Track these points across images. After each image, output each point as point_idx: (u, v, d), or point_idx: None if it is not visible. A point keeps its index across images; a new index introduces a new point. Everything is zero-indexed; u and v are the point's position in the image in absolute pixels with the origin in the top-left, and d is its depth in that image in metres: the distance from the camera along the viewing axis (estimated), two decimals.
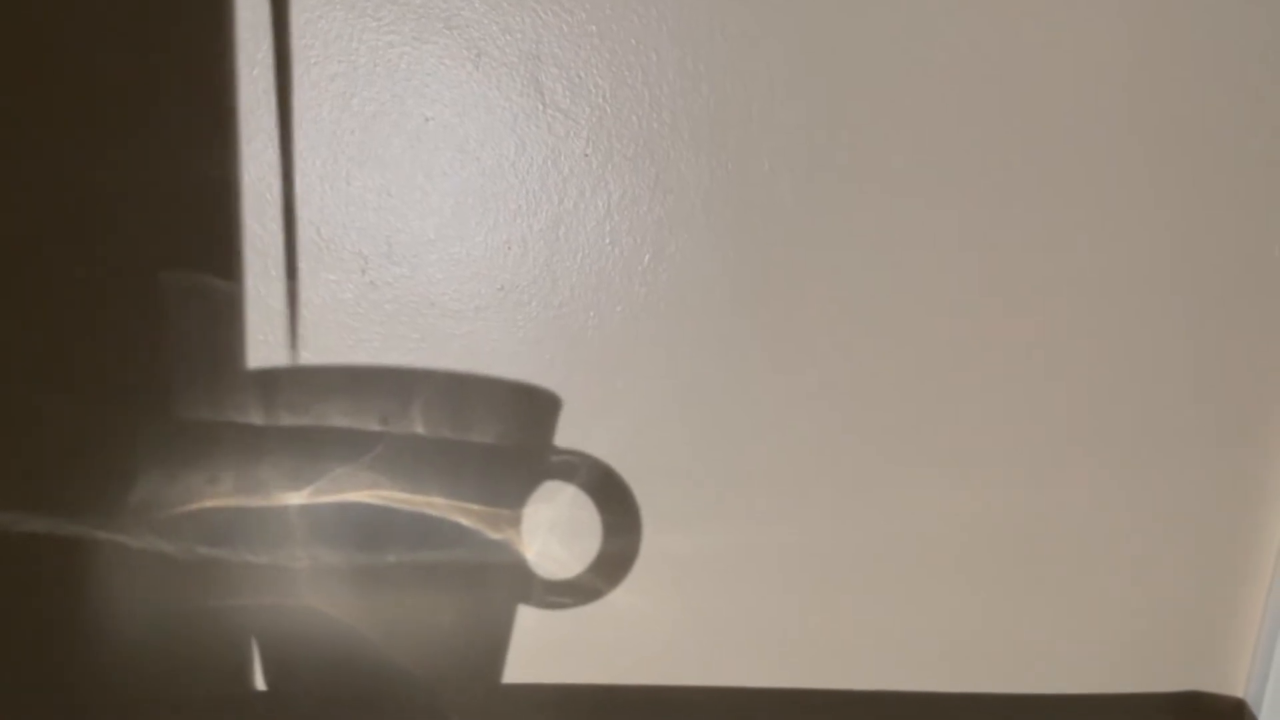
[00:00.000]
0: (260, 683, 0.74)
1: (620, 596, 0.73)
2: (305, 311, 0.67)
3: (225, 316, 0.66)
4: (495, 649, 0.74)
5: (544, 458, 0.70)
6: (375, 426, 0.69)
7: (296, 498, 0.70)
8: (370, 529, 0.70)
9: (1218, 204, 0.68)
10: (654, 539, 0.72)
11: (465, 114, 0.64)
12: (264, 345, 0.67)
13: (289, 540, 0.70)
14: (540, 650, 0.74)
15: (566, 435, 0.70)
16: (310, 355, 0.67)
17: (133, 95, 0.63)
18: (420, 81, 0.63)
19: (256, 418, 0.68)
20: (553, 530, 0.72)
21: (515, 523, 0.72)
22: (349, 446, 0.69)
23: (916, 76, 0.65)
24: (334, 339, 0.67)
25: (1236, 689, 0.79)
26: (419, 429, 0.69)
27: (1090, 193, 0.68)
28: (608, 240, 0.67)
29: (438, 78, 0.64)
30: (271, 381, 0.67)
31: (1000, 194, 0.67)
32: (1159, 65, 0.66)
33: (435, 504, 0.70)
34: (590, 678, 0.75)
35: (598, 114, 0.64)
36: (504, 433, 0.70)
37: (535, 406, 0.69)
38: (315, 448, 0.69)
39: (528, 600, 0.73)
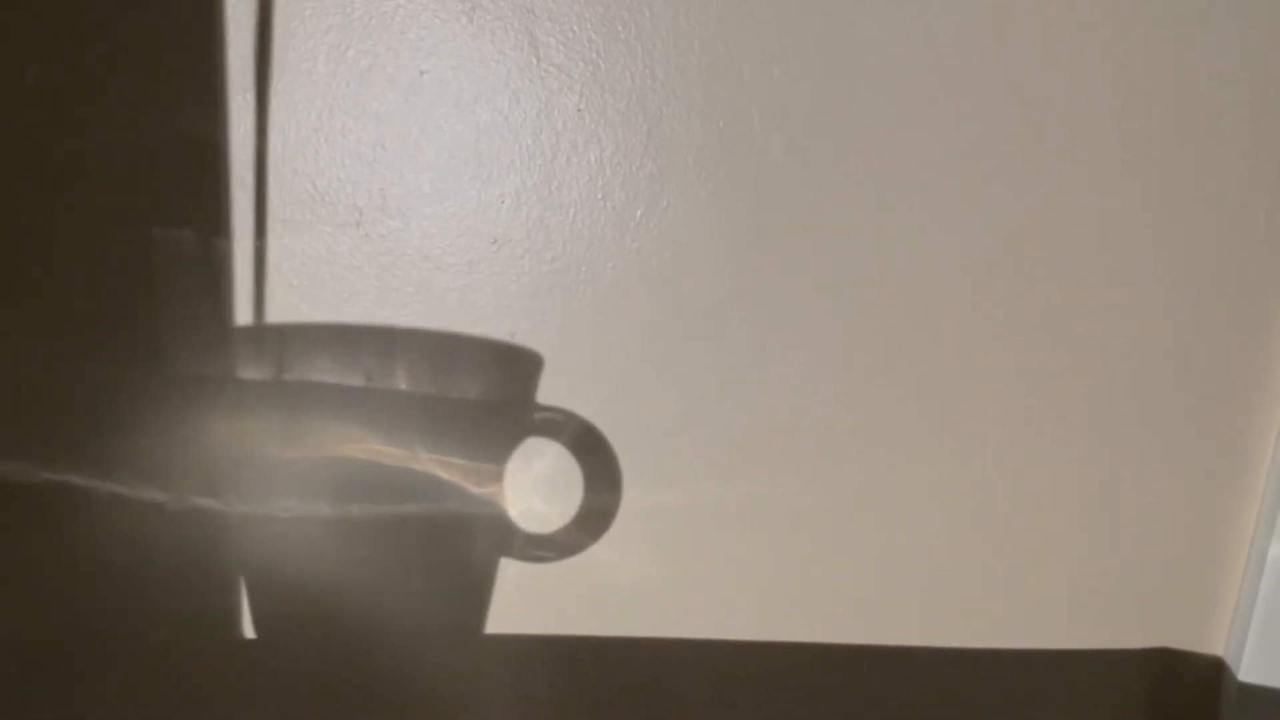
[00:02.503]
0: (249, 631, 0.75)
1: (602, 550, 0.75)
2: (300, 264, 0.67)
3: (217, 272, 0.67)
4: (478, 600, 0.76)
5: (529, 415, 0.72)
6: (361, 382, 0.70)
7: (286, 450, 0.71)
8: (356, 482, 0.72)
9: (1204, 172, 0.69)
10: (640, 493, 0.74)
11: (460, 68, 0.65)
12: (256, 298, 0.68)
13: (278, 492, 0.72)
14: (522, 602, 0.76)
15: (558, 388, 0.71)
16: (304, 307, 0.68)
17: (125, 47, 0.64)
18: (415, 35, 0.64)
19: (247, 372, 0.69)
20: (536, 485, 0.73)
21: (499, 478, 0.73)
22: (336, 402, 0.70)
23: (909, 36, 0.66)
24: (328, 291, 0.68)
25: (1216, 647, 0.80)
26: (403, 385, 0.70)
27: (1080, 163, 0.69)
28: (600, 195, 0.67)
29: (432, 31, 0.64)
30: (261, 337, 0.69)
31: (994, 157, 0.68)
32: (1143, 41, 0.67)
33: (420, 458, 0.72)
34: (572, 629, 0.77)
35: (591, 69, 0.65)
36: (488, 390, 0.71)
37: (520, 364, 0.71)
38: (303, 402, 0.70)
39: (510, 553, 0.75)
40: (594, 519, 0.75)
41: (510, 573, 0.76)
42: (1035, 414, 0.74)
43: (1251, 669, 0.78)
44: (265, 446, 0.71)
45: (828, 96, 0.67)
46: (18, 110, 0.64)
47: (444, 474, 0.73)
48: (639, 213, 0.68)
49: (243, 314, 0.68)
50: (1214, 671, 0.81)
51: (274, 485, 0.72)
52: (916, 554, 0.77)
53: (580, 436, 0.73)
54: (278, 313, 0.68)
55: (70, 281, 0.68)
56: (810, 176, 0.68)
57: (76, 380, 0.69)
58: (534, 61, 0.65)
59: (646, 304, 0.70)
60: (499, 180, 0.67)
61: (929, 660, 0.80)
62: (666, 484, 0.74)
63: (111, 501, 0.71)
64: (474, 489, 0.73)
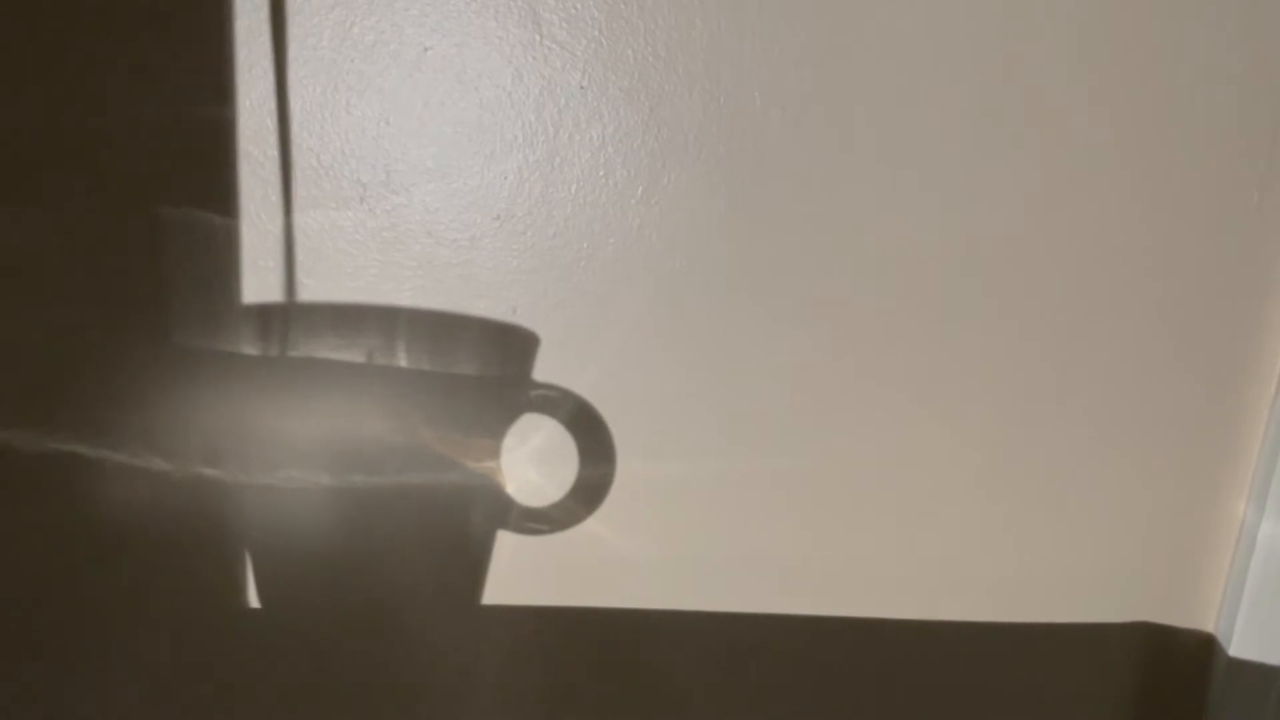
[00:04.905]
0: (251, 597, 0.77)
1: (596, 524, 0.76)
2: (304, 238, 0.69)
3: (223, 247, 0.68)
4: (475, 571, 0.77)
5: (525, 391, 0.73)
6: (362, 359, 0.71)
7: (288, 423, 0.73)
8: (357, 455, 0.74)
9: (1196, 147, 0.70)
10: (638, 467, 0.75)
11: (464, 44, 0.66)
12: (263, 272, 0.69)
13: (280, 463, 0.73)
14: (518, 573, 0.77)
15: (558, 362, 0.72)
16: (309, 282, 0.69)
17: (135, 24, 0.65)
18: (419, 11, 0.65)
19: (251, 347, 0.71)
20: (532, 460, 0.75)
21: (496, 452, 0.75)
22: (338, 377, 0.72)
23: (909, 18, 0.67)
24: (332, 266, 0.69)
25: (1207, 623, 0.82)
26: (404, 362, 0.72)
27: (1074, 138, 0.70)
28: (602, 172, 0.69)
29: (437, 8, 0.66)
30: (266, 314, 0.70)
31: (990, 137, 0.69)
32: (1136, 17, 0.68)
33: (420, 433, 0.73)
34: (565, 600, 0.79)
35: (594, 46, 0.67)
36: (486, 367, 0.73)
37: (518, 343, 0.72)
38: (306, 377, 0.72)
39: (506, 526, 0.76)
40: (588, 493, 0.76)
41: (506, 545, 0.77)
42: (1029, 391, 0.75)
43: (1242, 645, 0.79)
44: (268, 419, 0.73)
45: (828, 75, 0.68)
46: (26, 88, 0.66)
47: (443, 449, 0.74)
48: (640, 189, 0.69)
49: (248, 289, 0.70)
50: (1205, 647, 0.82)
51: (276, 457, 0.73)
52: (911, 529, 0.78)
53: (575, 412, 0.74)
54: (282, 288, 0.70)
55: (80, 257, 0.69)
56: (810, 155, 0.69)
57: (86, 353, 0.70)
58: (537, 39, 0.67)
59: (647, 280, 0.71)
60: (502, 157, 0.69)
61: (922, 634, 0.81)
62: (665, 458, 0.76)
63: (118, 470, 0.72)
64: (472, 463, 0.75)
